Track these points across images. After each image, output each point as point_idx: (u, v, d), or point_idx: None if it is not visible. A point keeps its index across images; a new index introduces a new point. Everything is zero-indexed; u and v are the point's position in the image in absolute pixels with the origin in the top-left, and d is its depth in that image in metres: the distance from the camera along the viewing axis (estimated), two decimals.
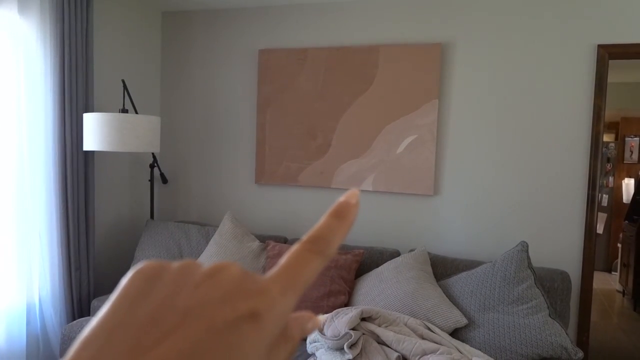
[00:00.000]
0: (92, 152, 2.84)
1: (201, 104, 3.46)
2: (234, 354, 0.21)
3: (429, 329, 2.22)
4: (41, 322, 2.68)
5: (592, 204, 2.65)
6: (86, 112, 2.78)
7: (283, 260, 0.26)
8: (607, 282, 5.94)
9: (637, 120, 6.46)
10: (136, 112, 3.01)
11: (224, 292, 0.23)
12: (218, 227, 2.96)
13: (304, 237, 0.27)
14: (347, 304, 2.51)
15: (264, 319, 0.22)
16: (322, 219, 0.28)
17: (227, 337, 0.21)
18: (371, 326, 2.16)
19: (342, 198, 0.29)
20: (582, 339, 2.68)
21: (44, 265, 2.67)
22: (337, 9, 3.09)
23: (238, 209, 3.37)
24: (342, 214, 0.28)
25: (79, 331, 2.48)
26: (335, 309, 2.34)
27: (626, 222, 5.41)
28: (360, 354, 2.06)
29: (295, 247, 0.26)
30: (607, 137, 6.65)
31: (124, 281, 0.24)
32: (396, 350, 2.07)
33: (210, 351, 0.20)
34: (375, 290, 2.47)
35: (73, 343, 0.21)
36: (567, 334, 2.19)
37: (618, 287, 5.57)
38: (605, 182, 6.51)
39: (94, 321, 0.22)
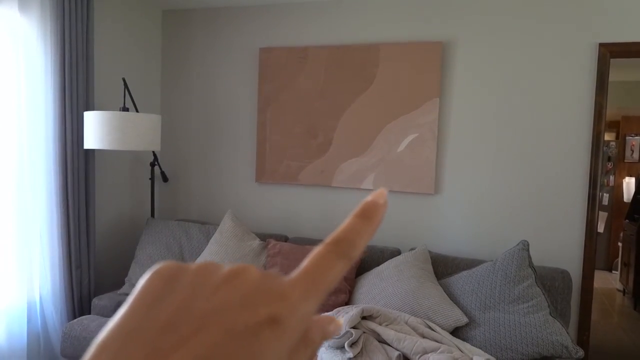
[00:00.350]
0: (93, 150, 2.84)
1: (202, 102, 3.46)
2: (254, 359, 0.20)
3: (430, 327, 2.22)
4: (42, 320, 2.68)
5: (592, 203, 2.65)
6: (87, 110, 2.78)
7: (305, 262, 0.25)
8: (608, 281, 5.93)
9: (638, 119, 6.45)
10: (137, 111, 3.01)
11: (243, 296, 0.22)
12: (219, 225, 2.96)
13: (328, 239, 0.25)
14: (347, 302, 2.51)
15: (284, 324, 0.22)
16: (347, 220, 0.26)
17: (247, 343, 0.20)
18: (372, 325, 2.16)
19: (369, 197, 0.27)
20: (583, 337, 2.68)
21: (44, 264, 2.67)
22: (338, 7, 3.09)
23: (239, 207, 3.37)
24: (368, 214, 0.27)
25: (80, 329, 2.48)
26: (335, 308, 2.34)
27: (627, 221, 5.41)
28: (360, 352, 2.06)
29: (318, 249, 0.25)
30: (608, 136, 6.64)
31: (141, 282, 0.23)
32: (397, 349, 2.07)
33: (229, 357, 0.20)
34: (376, 288, 2.47)
35: (90, 346, 0.21)
36: (567, 332, 2.19)
37: (619, 286, 5.57)
38: (606, 181, 6.51)
39: (110, 323, 0.21)
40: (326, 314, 2.26)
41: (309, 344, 0.24)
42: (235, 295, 0.22)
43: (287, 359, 0.22)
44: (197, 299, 0.22)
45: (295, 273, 0.24)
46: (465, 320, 2.28)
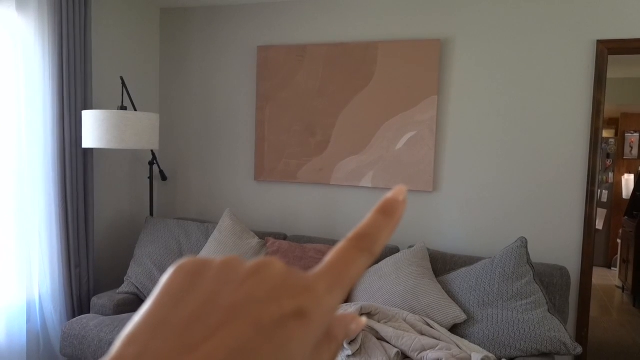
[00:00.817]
0: (91, 149, 2.84)
1: (200, 100, 3.46)
2: (281, 352, 0.20)
3: (428, 324, 2.22)
4: (41, 319, 2.69)
5: (591, 200, 2.65)
6: (85, 109, 2.78)
7: (328, 257, 0.25)
8: (607, 278, 5.94)
9: (637, 116, 6.45)
10: (135, 109, 3.01)
11: (269, 289, 0.22)
12: (217, 224, 2.96)
13: (350, 234, 0.26)
14: (346, 300, 2.52)
15: (310, 317, 0.22)
16: (368, 216, 0.27)
17: (274, 335, 0.20)
18: (370, 322, 2.17)
19: (389, 194, 0.27)
20: (582, 334, 2.68)
21: (43, 263, 2.67)
22: (336, 5, 3.09)
23: (237, 205, 3.37)
24: (389, 210, 0.27)
25: (79, 328, 2.49)
26: None
27: (626, 218, 5.42)
28: (359, 350, 2.06)
29: (340, 244, 0.25)
30: (607, 133, 6.65)
31: (165, 277, 0.23)
32: (395, 346, 2.08)
33: (257, 349, 0.20)
34: (375, 286, 2.47)
35: (116, 340, 0.21)
36: (566, 329, 2.20)
37: (617, 282, 5.58)
38: (605, 178, 6.51)
39: (136, 317, 0.22)
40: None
41: (332, 340, 0.24)
42: (261, 289, 0.22)
43: (312, 353, 0.22)
44: (223, 292, 0.22)
45: (318, 267, 0.24)
46: (463, 317, 2.28)
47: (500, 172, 2.82)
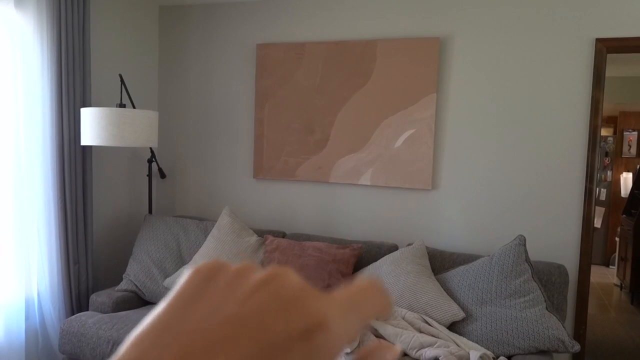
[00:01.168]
0: (90, 147, 2.84)
1: (199, 98, 3.46)
2: None
3: (427, 322, 2.23)
4: (40, 316, 2.69)
5: (589, 198, 2.65)
6: (83, 106, 2.77)
7: (350, 284, 0.24)
8: (605, 276, 5.96)
9: (636, 115, 6.46)
10: (134, 107, 3.01)
11: (278, 303, 0.21)
12: (216, 221, 2.96)
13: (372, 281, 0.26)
14: None
15: (318, 341, 0.20)
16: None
17: (277, 358, 0.20)
18: None
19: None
20: (580, 332, 2.69)
21: (42, 260, 2.67)
22: (335, 2, 3.09)
23: (236, 203, 3.37)
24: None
25: (78, 326, 2.49)
26: None
27: (624, 216, 5.43)
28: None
29: (364, 277, 0.25)
30: (605, 131, 6.65)
31: (181, 280, 0.23)
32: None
33: None
34: None
35: (125, 338, 0.21)
36: (564, 327, 2.20)
37: (616, 280, 5.59)
38: (603, 176, 6.52)
39: (148, 319, 0.21)
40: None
41: None
42: (270, 302, 0.21)
43: None
44: (231, 302, 0.21)
45: (339, 289, 0.23)
46: (462, 315, 2.29)
47: (498, 170, 2.82)
